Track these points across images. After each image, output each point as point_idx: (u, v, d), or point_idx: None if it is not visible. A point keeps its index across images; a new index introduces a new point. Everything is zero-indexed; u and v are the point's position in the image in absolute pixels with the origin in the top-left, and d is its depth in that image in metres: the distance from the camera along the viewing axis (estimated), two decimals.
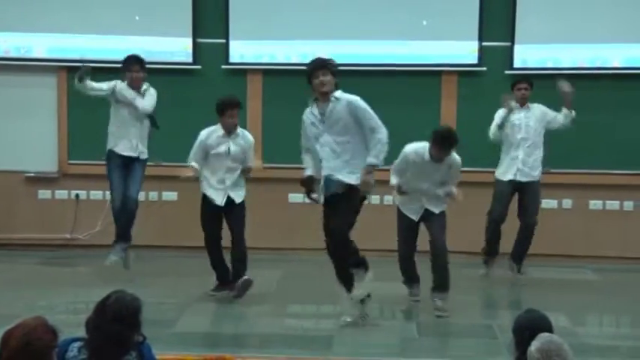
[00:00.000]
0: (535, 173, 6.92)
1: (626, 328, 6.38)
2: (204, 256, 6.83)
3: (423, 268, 6.39)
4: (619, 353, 5.37)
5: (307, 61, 7.77)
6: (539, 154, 6.96)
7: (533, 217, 6.89)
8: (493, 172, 7.27)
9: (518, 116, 6.95)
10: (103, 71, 8.30)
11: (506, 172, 6.97)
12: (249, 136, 6.72)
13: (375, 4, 8.15)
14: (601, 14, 7.96)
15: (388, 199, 7.67)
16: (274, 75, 8.35)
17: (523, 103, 6.99)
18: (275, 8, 8.23)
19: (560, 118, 6.98)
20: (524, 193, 6.94)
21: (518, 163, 6.92)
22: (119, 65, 7.61)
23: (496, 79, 7.95)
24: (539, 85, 7.63)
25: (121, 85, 7.06)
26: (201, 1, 8.23)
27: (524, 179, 6.86)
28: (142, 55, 7.67)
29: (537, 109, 7.01)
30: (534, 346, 3.09)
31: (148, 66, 7.51)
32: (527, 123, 6.95)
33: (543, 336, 3.18)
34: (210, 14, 8.29)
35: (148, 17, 8.38)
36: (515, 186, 6.90)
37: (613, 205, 7.87)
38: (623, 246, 7.81)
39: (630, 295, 6.84)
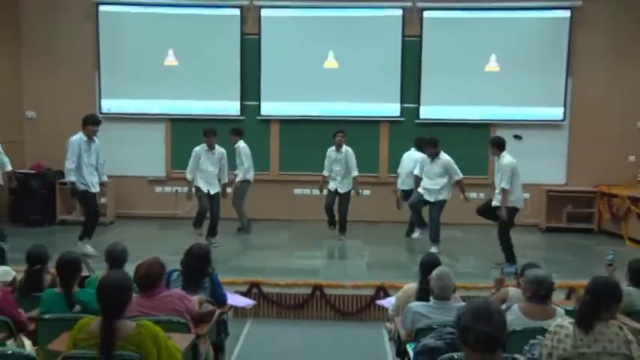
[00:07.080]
0: (346, 189, 8.90)
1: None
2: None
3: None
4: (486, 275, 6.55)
5: (305, 115, 10.17)
6: (349, 177, 8.90)
7: (344, 209, 8.99)
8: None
9: (337, 157, 8.89)
10: (183, 121, 10.31)
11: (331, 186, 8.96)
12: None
13: (346, 79, 10.16)
14: (480, 84, 10.16)
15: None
16: (287, 124, 10.40)
17: (340, 146, 8.87)
18: (286, 84, 10.30)
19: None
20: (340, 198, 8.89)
21: (337, 182, 8.95)
22: (194, 118, 9.23)
23: (410, 126, 10.22)
24: (435, 130, 9.28)
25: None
26: (245, 82, 10.25)
27: (342, 191, 8.94)
28: (210, 113, 9.53)
29: (345, 152, 8.85)
30: (434, 272, 3.91)
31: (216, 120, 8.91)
32: (340, 161, 8.88)
33: (440, 268, 4.01)
34: (250, 86, 10.31)
35: (215, 88, 10.36)
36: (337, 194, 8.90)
37: None
38: None
39: None
